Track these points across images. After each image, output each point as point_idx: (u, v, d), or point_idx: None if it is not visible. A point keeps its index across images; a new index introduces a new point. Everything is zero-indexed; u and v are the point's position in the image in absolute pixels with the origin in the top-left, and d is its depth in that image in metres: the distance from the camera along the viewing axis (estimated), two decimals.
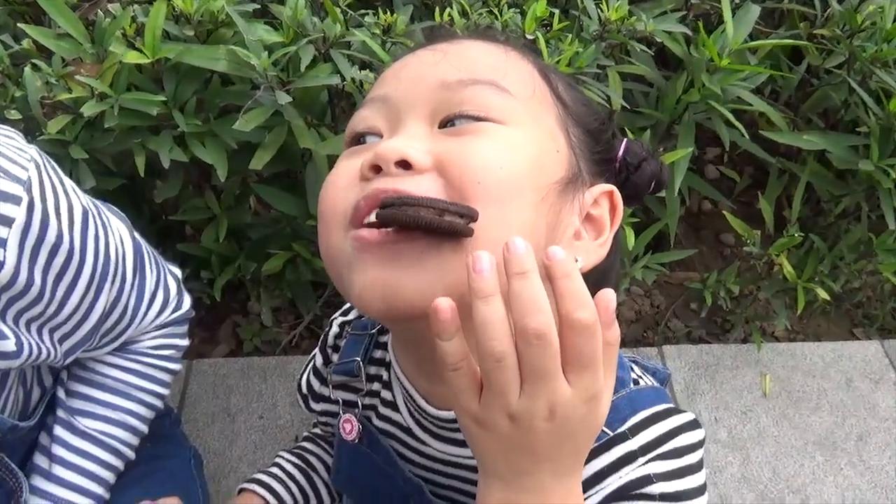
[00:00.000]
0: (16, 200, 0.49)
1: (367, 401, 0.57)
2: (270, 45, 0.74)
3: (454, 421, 0.50)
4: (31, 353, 0.53)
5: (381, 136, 0.47)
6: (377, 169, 0.43)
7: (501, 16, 0.81)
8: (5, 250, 0.48)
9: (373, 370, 0.58)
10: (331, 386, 0.60)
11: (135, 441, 0.67)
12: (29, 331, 0.54)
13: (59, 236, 0.52)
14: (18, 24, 0.74)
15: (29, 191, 0.50)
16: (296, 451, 0.72)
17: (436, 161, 0.43)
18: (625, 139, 0.54)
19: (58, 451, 0.62)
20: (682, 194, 0.97)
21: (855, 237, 0.97)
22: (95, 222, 0.57)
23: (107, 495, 0.65)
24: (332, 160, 0.75)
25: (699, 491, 0.51)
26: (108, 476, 0.65)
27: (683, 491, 0.50)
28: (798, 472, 1.02)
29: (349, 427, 0.56)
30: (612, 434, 0.50)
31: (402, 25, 0.79)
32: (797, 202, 0.94)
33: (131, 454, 0.67)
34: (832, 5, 0.92)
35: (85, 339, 0.59)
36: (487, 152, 0.43)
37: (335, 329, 0.63)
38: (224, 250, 0.90)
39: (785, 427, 1.06)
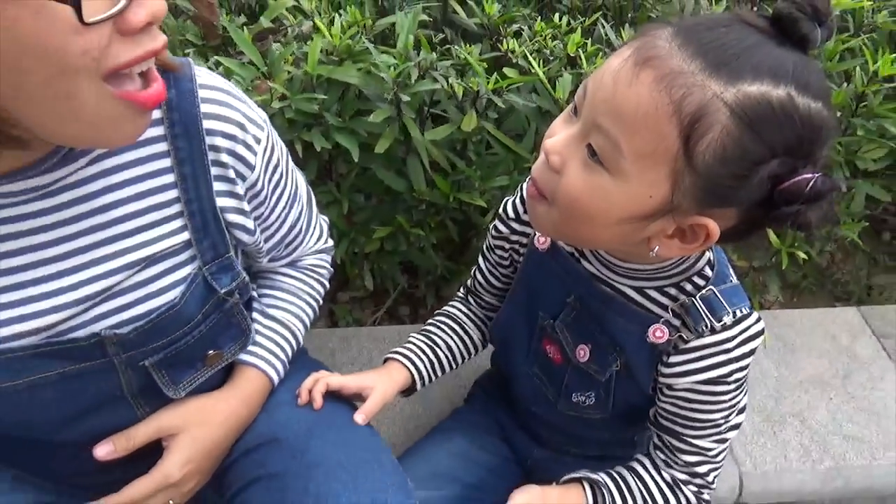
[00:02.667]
0: (262, 127, 0.76)
1: None
2: (390, 67, 1.05)
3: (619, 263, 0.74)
4: (255, 239, 0.80)
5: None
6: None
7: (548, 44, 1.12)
8: (256, 158, 0.75)
9: None
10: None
11: (303, 332, 0.92)
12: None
13: (278, 160, 0.79)
14: (215, 57, 1.06)
15: (265, 122, 0.78)
16: (440, 318, 0.99)
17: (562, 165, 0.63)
18: (800, 179, 0.56)
19: (255, 327, 0.87)
20: None
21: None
22: (290, 159, 0.85)
23: (283, 372, 0.89)
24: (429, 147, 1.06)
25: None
26: (288, 351, 0.88)
27: (745, 376, 0.74)
28: (796, 402, 1.25)
29: (544, 241, 0.81)
30: (721, 323, 0.71)
31: (474, 57, 1.11)
32: None
33: (300, 342, 0.92)
34: None
35: (276, 244, 0.85)
36: (581, 184, 0.62)
37: (523, 193, 0.84)
38: (342, 226, 1.19)
39: (783, 369, 1.31)
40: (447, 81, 1.04)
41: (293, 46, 1.04)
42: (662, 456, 0.84)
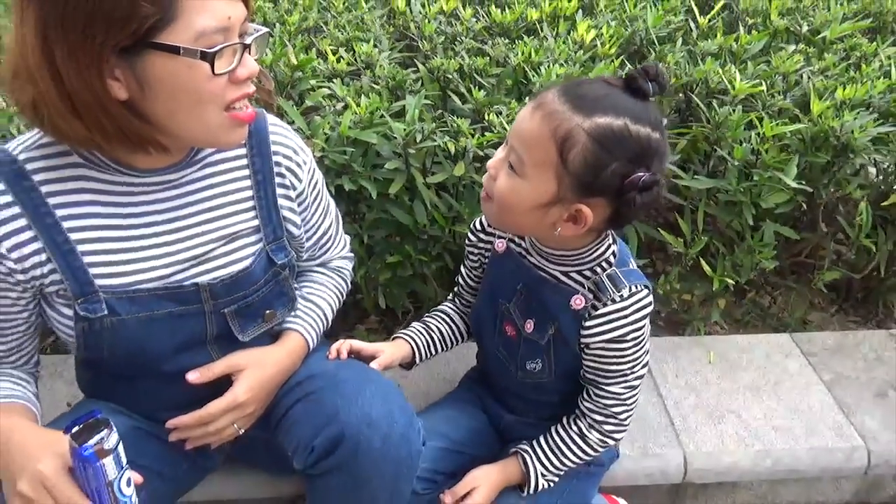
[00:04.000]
0: (308, 156, 1.10)
1: (510, 235, 1.13)
2: (401, 130, 1.42)
3: (550, 249, 1.05)
4: (300, 233, 1.11)
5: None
6: None
7: None
8: (303, 174, 1.09)
9: None
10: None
11: (331, 313, 1.20)
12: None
13: (318, 182, 1.13)
14: None
15: (310, 155, 1.11)
16: (434, 312, 1.30)
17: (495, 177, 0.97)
18: (635, 176, 0.88)
19: (297, 305, 1.16)
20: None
21: (745, 245, 1.56)
22: (325, 187, 1.19)
23: (316, 340, 1.15)
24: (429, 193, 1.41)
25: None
26: (320, 325, 1.15)
27: (641, 337, 1.04)
28: (734, 403, 1.51)
29: (501, 245, 1.14)
30: (620, 294, 1.01)
31: (464, 125, 1.48)
32: (700, 221, 1.55)
33: (328, 321, 1.19)
34: None
35: (314, 244, 1.16)
36: (504, 186, 0.95)
37: None
38: (362, 253, 1.52)
39: (724, 381, 1.57)
40: (443, 142, 1.41)
41: (330, 118, 1.43)
42: (588, 404, 1.12)
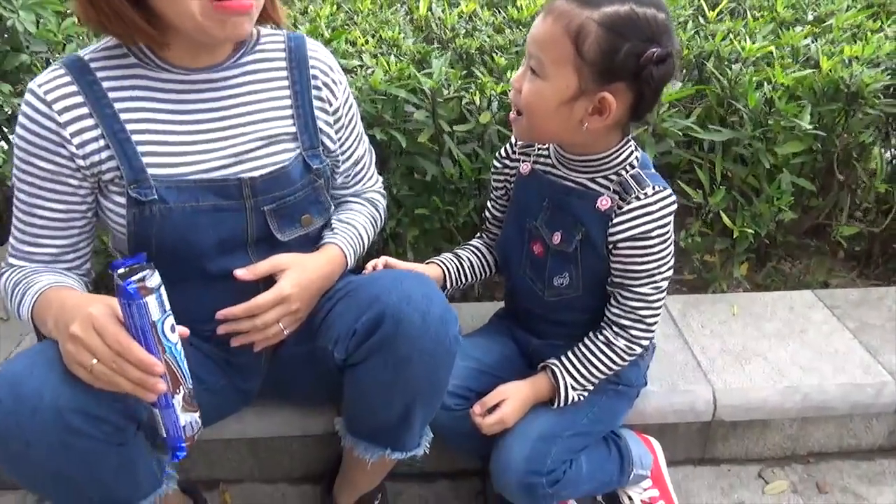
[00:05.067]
0: (342, 78, 1.17)
1: (535, 157, 1.19)
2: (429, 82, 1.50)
3: (576, 157, 1.11)
4: (335, 149, 1.17)
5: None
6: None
7: None
8: (338, 91, 1.15)
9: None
10: (518, 151, 1.23)
11: (366, 237, 1.22)
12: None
13: (352, 106, 1.20)
14: None
15: (345, 79, 1.19)
16: (463, 245, 1.35)
17: (520, 88, 1.07)
18: (649, 51, 0.94)
19: (334, 225, 1.19)
20: None
21: (764, 195, 1.60)
22: (360, 120, 1.26)
23: (353, 257, 1.19)
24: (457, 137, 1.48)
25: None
26: (356, 244, 1.18)
27: (667, 234, 1.08)
28: (760, 347, 1.52)
29: (526, 167, 1.20)
30: (644, 192, 1.06)
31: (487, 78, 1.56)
32: (718, 173, 1.60)
33: (364, 244, 1.22)
34: None
35: (349, 168, 1.22)
36: (529, 92, 1.01)
37: (512, 141, 1.25)
38: (393, 209, 1.58)
39: (749, 328, 1.58)
40: (469, 93, 1.49)
41: (361, 77, 1.51)
42: (614, 310, 1.15)
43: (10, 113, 2.06)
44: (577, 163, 1.13)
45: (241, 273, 1.06)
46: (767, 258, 1.84)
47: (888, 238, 1.82)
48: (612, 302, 1.16)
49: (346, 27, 2.15)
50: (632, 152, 1.12)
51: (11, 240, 1.07)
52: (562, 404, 1.18)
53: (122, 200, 1.02)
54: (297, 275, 1.08)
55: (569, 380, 1.17)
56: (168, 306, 0.85)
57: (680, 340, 1.55)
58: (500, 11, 2.31)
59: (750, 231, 1.59)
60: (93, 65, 1.01)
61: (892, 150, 1.60)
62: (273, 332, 1.07)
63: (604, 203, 1.10)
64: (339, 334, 1.05)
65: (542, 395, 1.19)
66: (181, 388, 0.90)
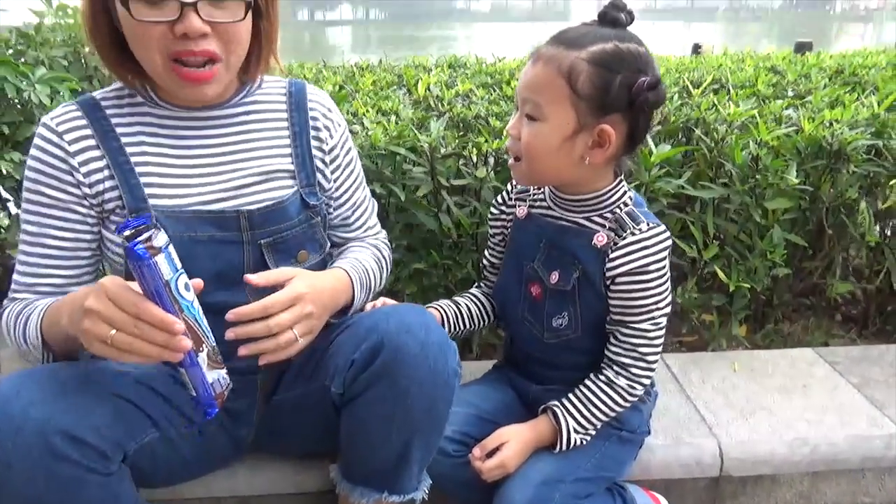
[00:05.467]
0: (342, 121, 1.21)
1: (531, 201, 1.21)
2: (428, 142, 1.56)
3: (572, 197, 1.13)
4: (330, 187, 1.20)
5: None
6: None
7: None
8: (335, 133, 1.20)
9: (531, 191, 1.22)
10: (514, 197, 1.25)
11: (373, 274, 1.21)
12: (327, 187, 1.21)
13: (350, 150, 1.23)
14: None
15: (344, 122, 1.24)
16: (462, 293, 1.35)
17: (519, 135, 1.15)
18: (640, 80, 1.00)
19: (336, 262, 1.20)
20: None
21: (757, 250, 1.62)
22: (361, 166, 1.30)
23: (357, 286, 1.14)
24: (454, 192, 1.51)
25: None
26: (361, 275, 1.15)
27: (663, 269, 1.11)
28: (764, 401, 1.49)
29: (522, 211, 1.22)
30: (639, 228, 1.08)
31: (484, 134, 1.62)
32: (710, 227, 1.63)
33: (371, 280, 1.19)
34: None
35: (346, 212, 1.23)
36: (529, 135, 1.06)
37: (508, 188, 1.28)
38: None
39: (751, 384, 1.56)
40: (466, 149, 1.54)
41: (362, 135, 1.57)
42: (614, 348, 1.14)
43: (18, 180, 2.12)
44: (573, 203, 1.15)
45: (254, 278, 1.00)
46: (765, 319, 1.84)
47: (884, 299, 1.83)
48: (612, 340, 1.15)
49: (348, 100, 2.25)
50: (625, 192, 1.15)
51: (15, 276, 1.07)
52: (564, 448, 1.14)
53: None
54: (310, 279, 1.04)
55: (571, 422, 1.14)
56: (179, 264, 0.84)
57: (682, 396, 1.52)
58: (494, 89, 2.42)
59: (746, 286, 1.60)
60: (103, 103, 1.06)
61: (878, 205, 1.64)
62: (285, 338, 0.97)
63: (600, 239, 1.12)
64: (338, 366, 1.04)
65: (543, 439, 1.16)
66: (204, 345, 0.87)
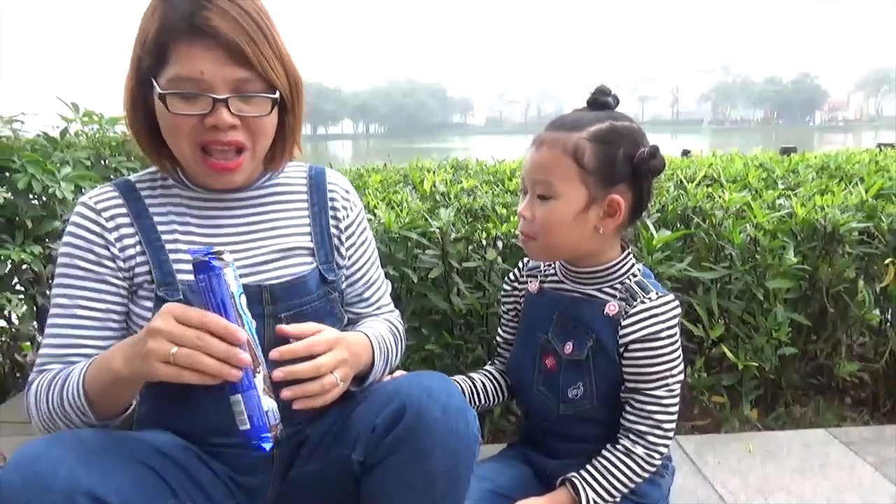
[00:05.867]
0: (358, 202, 1.27)
1: (542, 276, 1.26)
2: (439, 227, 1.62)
3: (584, 269, 1.19)
4: (346, 263, 1.25)
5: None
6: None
7: None
8: (352, 213, 1.25)
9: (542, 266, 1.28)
10: (525, 273, 1.30)
11: (391, 344, 1.23)
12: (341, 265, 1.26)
13: (366, 230, 1.29)
14: None
15: (361, 205, 1.30)
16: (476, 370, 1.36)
17: (532, 215, 1.23)
18: (640, 151, 1.10)
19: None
20: None
21: (762, 329, 1.65)
22: (375, 247, 1.35)
23: (376, 352, 1.18)
24: (464, 275, 1.57)
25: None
26: (379, 342, 1.17)
27: (675, 336, 1.15)
28: (782, 481, 1.47)
29: (534, 286, 1.26)
30: (649, 297, 1.13)
31: (493, 218, 1.68)
32: (714, 306, 1.67)
33: (388, 350, 1.21)
34: None
35: (360, 289, 1.27)
36: (544, 213, 1.14)
37: (520, 265, 1.33)
38: None
39: (768, 464, 1.54)
40: (477, 232, 1.61)
41: (375, 221, 1.65)
42: (630, 416, 1.15)
43: (36, 272, 2.17)
44: (585, 275, 1.20)
45: (287, 328, 1.02)
46: (775, 401, 1.84)
47: (892, 381, 1.84)
48: (628, 409, 1.16)
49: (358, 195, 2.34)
50: (634, 263, 1.20)
51: (43, 351, 1.09)
52: None
53: (150, 304, 1.07)
54: (337, 330, 1.07)
55: (591, 493, 1.13)
56: (240, 284, 0.89)
57: (699, 477, 1.50)
58: (497, 185, 2.54)
59: (754, 365, 1.62)
60: (138, 185, 1.14)
61: (877, 285, 1.69)
62: (329, 381, 0.97)
63: (612, 308, 1.16)
64: (359, 433, 1.04)
65: None
66: (260, 368, 0.89)
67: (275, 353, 0.94)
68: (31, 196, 2.21)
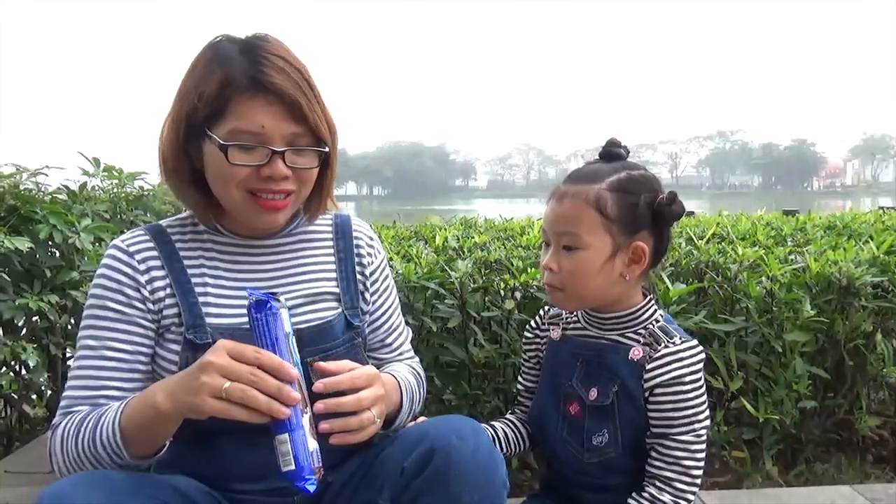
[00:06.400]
0: (381, 250, 1.30)
1: (564, 324, 1.27)
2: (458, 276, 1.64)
3: (607, 315, 1.20)
4: (369, 308, 1.26)
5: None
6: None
7: None
8: (376, 260, 1.28)
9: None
10: (546, 321, 1.31)
11: (414, 387, 1.23)
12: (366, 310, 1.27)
13: (388, 276, 1.30)
14: None
15: (383, 253, 1.32)
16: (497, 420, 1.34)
17: (559, 267, 1.26)
18: (659, 198, 1.14)
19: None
20: None
21: (782, 381, 1.64)
22: (398, 295, 1.37)
23: (404, 395, 1.16)
24: (481, 325, 1.57)
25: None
26: (404, 384, 1.18)
27: (699, 381, 1.16)
28: None
29: (556, 333, 1.26)
30: (673, 341, 1.15)
31: (512, 270, 1.70)
32: (733, 357, 1.66)
33: (413, 393, 1.21)
34: None
35: (383, 334, 1.28)
36: (571, 264, 1.15)
37: (541, 313, 1.34)
38: None
39: None
40: (494, 283, 1.63)
41: (394, 272, 1.67)
42: (656, 463, 1.14)
43: (51, 321, 2.18)
44: (608, 321, 1.21)
45: (325, 364, 1.01)
46: (796, 457, 1.81)
47: None
48: (654, 454, 1.15)
49: None
50: (656, 310, 1.21)
51: (68, 393, 1.08)
52: None
53: (177, 347, 1.08)
54: (374, 367, 1.07)
55: None
56: (292, 326, 0.92)
57: None
58: (509, 240, 2.56)
59: (775, 418, 1.60)
60: (169, 230, 1.16)
61: (892, 338, 1.69)
62: (367, 417, 0.97)
63: (636, 353, 1.16)
64: (387, 477, 1.03)
65: None
66: (308, 408, 0.89)
67: (319, 385, 0.95)
68: (49, 245, 2.25)
